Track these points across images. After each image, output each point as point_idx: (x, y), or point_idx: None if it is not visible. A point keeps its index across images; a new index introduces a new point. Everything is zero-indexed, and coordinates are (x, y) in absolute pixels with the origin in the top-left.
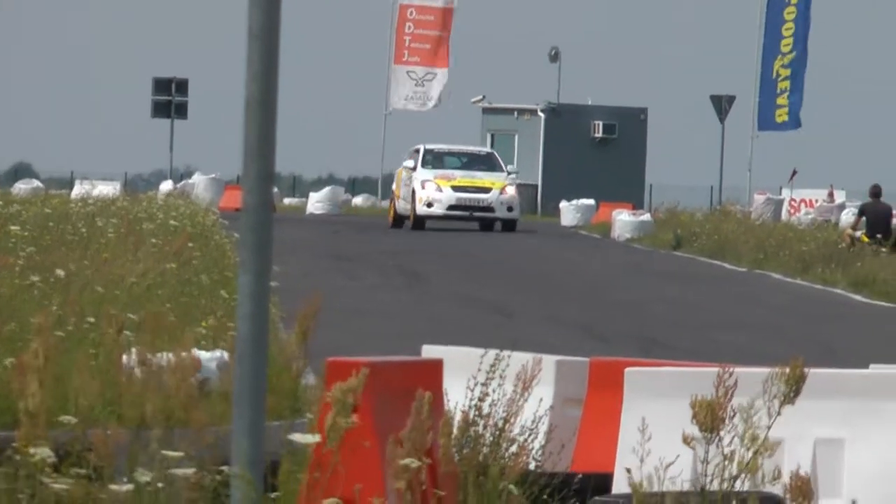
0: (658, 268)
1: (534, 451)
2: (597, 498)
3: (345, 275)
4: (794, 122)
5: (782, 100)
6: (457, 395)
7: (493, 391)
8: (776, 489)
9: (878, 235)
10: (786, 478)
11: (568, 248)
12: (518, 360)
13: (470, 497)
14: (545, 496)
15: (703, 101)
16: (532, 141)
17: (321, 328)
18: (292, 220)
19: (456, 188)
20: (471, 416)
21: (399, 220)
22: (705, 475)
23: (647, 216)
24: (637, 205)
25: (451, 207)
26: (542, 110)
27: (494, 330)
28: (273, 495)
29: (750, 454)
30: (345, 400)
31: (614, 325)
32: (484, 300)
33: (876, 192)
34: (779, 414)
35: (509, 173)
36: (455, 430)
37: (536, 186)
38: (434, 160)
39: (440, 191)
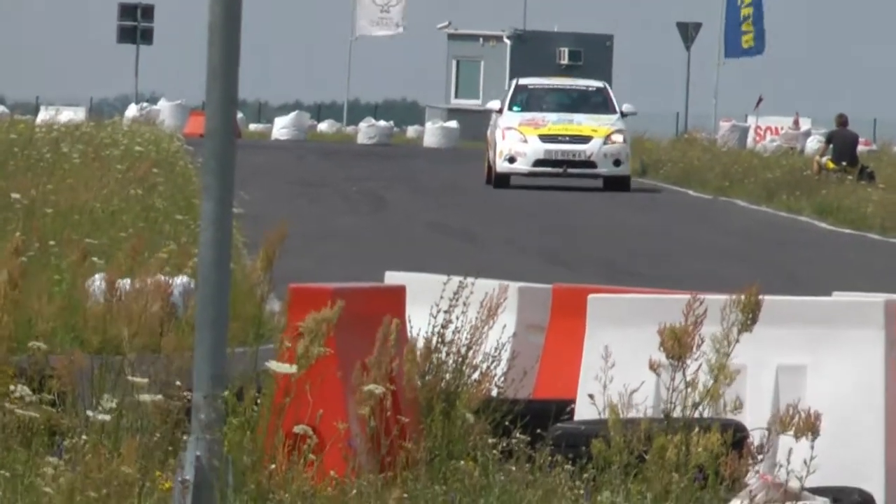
0: (622, 195)
1: (496, 378)
2: (559, 424)
3: (309, 200)
4: (760, 48)
5: (747, 26)
6: (420, 323)
7: (457, 318)
8: (738, 416)
9: (844, 163)
10: (748, 404)
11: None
12: (481, 287)
13: (433, 424)
14: (507, 423)
15: (669, 29)
16: (498, 68)
17: (285, 254)
18: (257, 146)
19: (545, 137)
20: (434, 343)
21: (490, 170)
22: (671, 402)
23: None
24: None
25: (538, 163)
26: (508, 37)
27: (458, 256)
28: (236, 421)
29: (712, 381)
30: (318, 329)
31: (578, 251)
32: (448, 226)
33: (843, 120)
34: (737, 341)
35: (624, 114)
36: (418, 358)
37: None
38: (527, 99)
39: (525, 141)
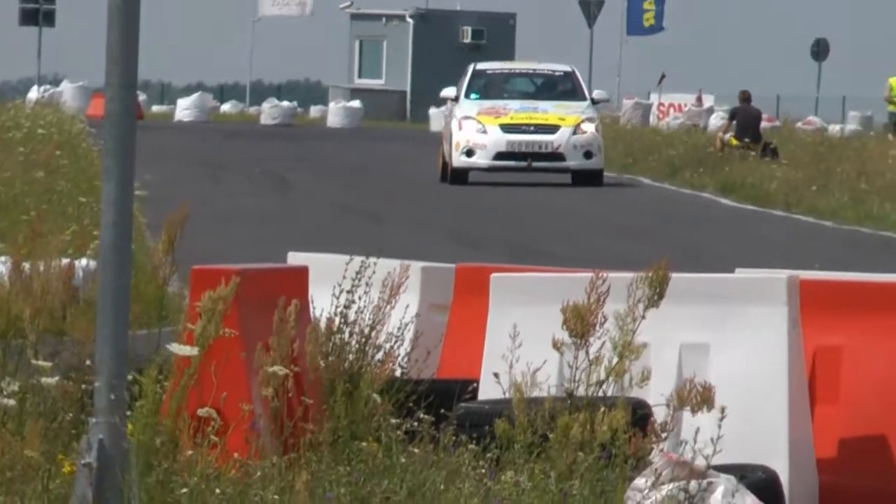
0: (531, 173)
1: (400, 358)
2: (462, 404)
3: (212, 182)
4: (660, 26)
5: (649, 4)
6: (323, 303)
7: (360, 298)
8: (643, 393)
9: (747, 140)
10: (652, 383)
11: (436, 154)
12: (385, 266)
13: (337, 405)
14: (411, 403)
15: (571, 6)
16: (401, 47)
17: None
18: (160, 128)
19: (507, 127)
20: (336, 323)
21: (445, 166)
22: (573, 380)
23: None
24: None
25: (499, 156)
26: (411, 16)
27: (363, 236)
28: (138, 403)
29: (616, 359)
30: (214, 308)
31: (483, 230)
32: (352, 206)
33: (746, 96)
34: (643, 318)
35: (595, 101)
36: (321, 338)
37: (405, 93)
38: (486, 86)
39: (484, 132)
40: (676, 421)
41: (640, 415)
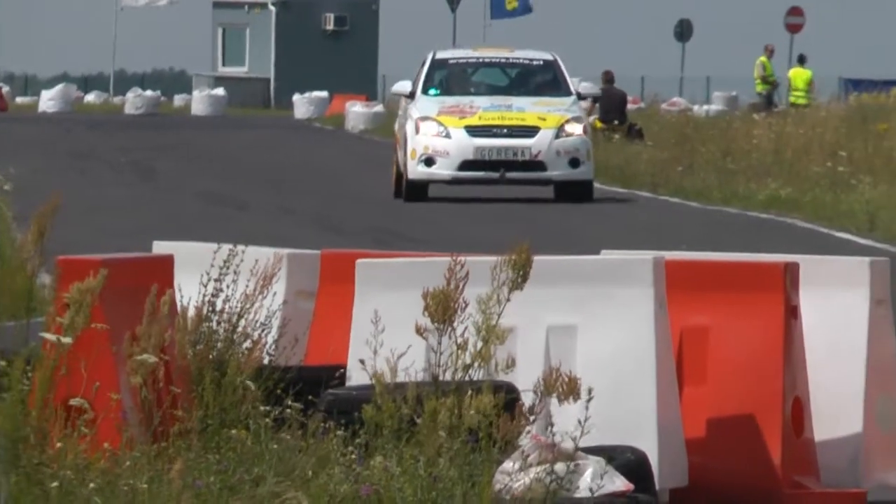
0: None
1: (268, 346)
2: (330, 390)
3: (78, 172)
4: (524, 8)
5: None
6: (191, 292)
7: (227, 287)
8: (511, 376)
9: (613, 121)
10: (520, 366)
11: (302, 140)
12: (252, 254)
13: (206, 393)
14: (279, 390)
15: None
16: (263, 35)
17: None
18: (24, 120)
19: (475, 130)
20: (204, 311)
21: (401, 177)
22: (438, 365)
23: (380, 107)
24: (371, 96)
25: (465, 165)
26: (273, 3)
27: (229, 224)
28: (7, 395)
29: (481, 343)
30: (82, 300)
31: (349, 217)
32: (217, 194)
33: (609, 77)
34: (508, 300)
35: (582, 96)
36: (189, 327)
37: (269, 80)
38: (448, 78)
39: (447, 136)
40: (545, 404)
41: (508, 398)
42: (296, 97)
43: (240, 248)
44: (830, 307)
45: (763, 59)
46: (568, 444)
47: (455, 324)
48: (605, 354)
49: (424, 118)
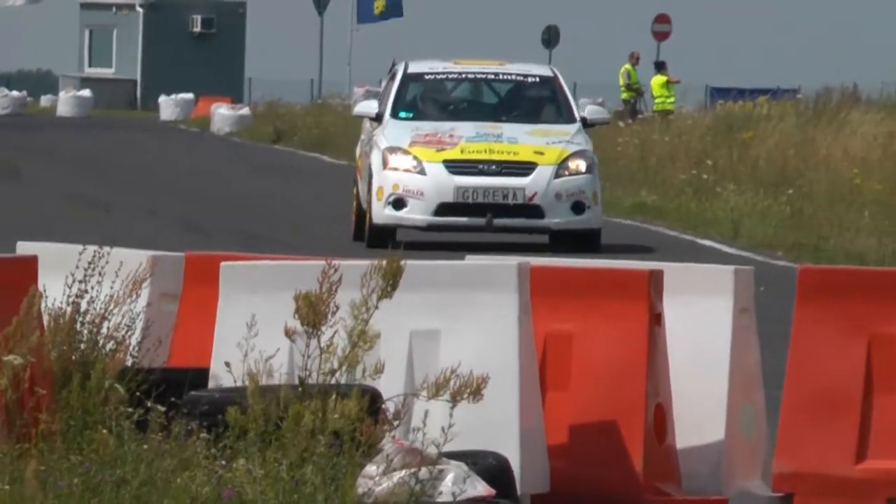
0: (259, 161)
1: (131, 348)
2: (192, 392)
3: None
4: (393, 12)
5: None
6: (55, 293)
7: (92, 288)
8: (375, 381)
9: None
10: (384, 370)
11: (168, 142)
12: (117, 256)
13: (71, 395)
14: (142, 392)
15: None
16: (131, 36)
17: None
18: None
19: (456, 165)
20: (68, 313)
21: (363, 217)
22: (306, 369)
23: (245, 110)
24: (236, 99)
25: (444, 209)
26: (141, 5)
27: (94, 225)
28: None
29: (350, 348)
30: None
31: (215, 219)
32: (83, 195)
33: None
34: (377, 307)
35: (588, 123)
36: (55, 328)
37: (135, 82)
38: (423, 98)
39: (422, 172)
40: (408, 408)
41: (372, 403)
42: (162, 99)
43: (105, 249)
44: (694, 315)
45: (628, 66)
46: (430, 449)
47: (325, 328)
48: (468, 359)
49: (394, 149)
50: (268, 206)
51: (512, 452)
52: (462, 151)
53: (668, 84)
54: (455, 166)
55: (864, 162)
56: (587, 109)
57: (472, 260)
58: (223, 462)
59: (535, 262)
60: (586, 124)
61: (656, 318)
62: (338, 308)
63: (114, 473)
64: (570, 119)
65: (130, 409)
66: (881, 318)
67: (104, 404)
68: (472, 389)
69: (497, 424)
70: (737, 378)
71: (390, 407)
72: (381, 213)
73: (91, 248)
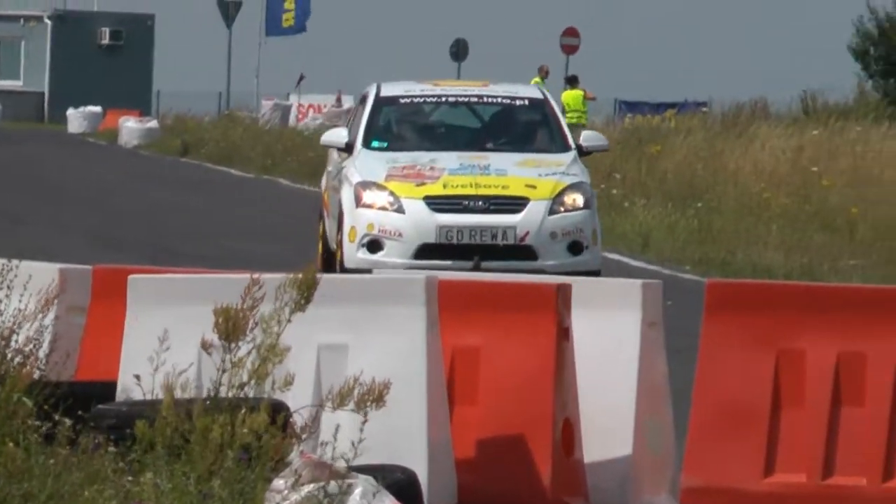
0: (166, 174)
1: (39, 361)
2: (100, 406)
3: None
4: (301, 26)
5: (289, 4)
6: None
7: (0, 301)
8: (284, 394)
9: None
10: (297, 384)
11: (75, 155)
12: (26, 269)
13: None
14: (50, 406)
15: (210, 7)
16: (38, 48)
17: None
18: None
19: (439, 202)
20: None
21: (332, 259)
22: (220, 383)
23: (153, 123)
24: (144, 111)
25: (425, 251)
26: (49, 17)
27: (3, 238)
28: None
29: (259, 362)
30: None
31: (124, 232)
32: None
33: None
34: (289, 321)
35: (584, 151)
36: None
37: (43, 94)
38: (398, 124)
39: (399, 210)
40: (317, 422)
41: (281, 417)
42: (70, 111)
43: (14, 262)
44: (602, 329)
45: (538, 79)
46: (339, 463)
47: (241, 343)
48: (376, 373)
49: (367, 184)
50: (176, 220)
51: (420, 466)
52: (445, 186)
53: (584, 99)
54: (437, 203)
55: (773, 176)
56: (583, 135)
57: (381, 274)
58: (130, 476)
59: (444, 276)
60: (582, 152)
61: (564, 332)
62: (256, 324)
63: (21, 487)
64: (564, 147)
65: (38, 423)
66: (789, 333)
67: (11, 418)
68: (375, 397)
69: (405, 439)
70: (645, 392)
71: (298, 421)
72: (354, 257)
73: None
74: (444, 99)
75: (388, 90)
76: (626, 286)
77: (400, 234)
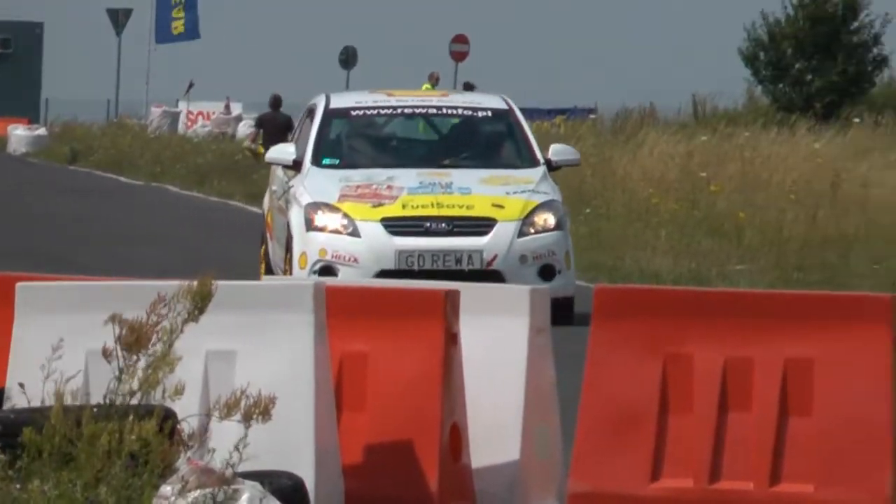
0: (55, 182)
1: None
2: None
3: None
4: (192, 33)
5: (178, 12)
6: None
7: None
8: (174, 403)
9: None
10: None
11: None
12: None
13: None
14: None
15: (100, 15)
16: None
17: None
18: None
19: (396, 224)
20: None
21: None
22: (116, 391)
23: (42, 130)
24: (33, 119)
25: (383, 276)
26: None
27: None
28: None
29: (151, 370)
30: None
31: (13, 240)
32: None
33: (275, 102)
34: (182, 331)
35: (553, 165)
36: None
37: None
38: (349, 138)
39: (355, 233)
40: (205, 429)
41: (169, 424)
42: None
43: None
44: (490, 335)
45: (428, 85)
46: (226, 470)
47: (142, 353)
48: (264, 380)
49: (319, 205)
50: (65, 227)
51: (307, 472)
52: (404, 206)
53: None
54: (396, 225)
55: (661, 181)
56: (552, 149)
57: (269, 280)
58: (18, 484)
59: (332, 282)
60: (551, 167)
61: (452, 338)
62: (159, 338)
63: None
64: (532, 162)
65: None
66: (676, 338)
67: None
68: (261, 410)
69: (292, 445)
70: (532, 398)
71: (186, 428)
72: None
73: None
74: (399, 111)
75: (338, 101)
76: (514, 292)
77: (355, 260)
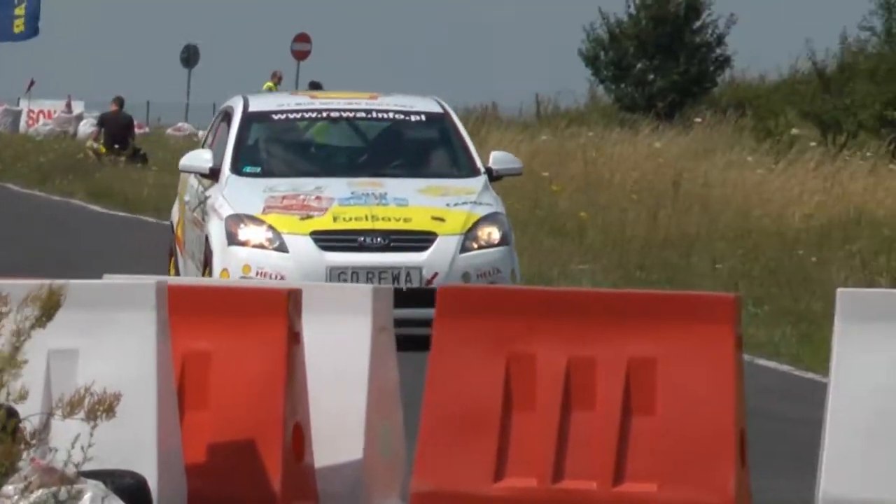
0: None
1: None
2: None
3: None
4: (32, 31)
5: (20, 10)
6: None
7: None
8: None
9: (117, 146)
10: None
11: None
12: None
13: None
14: None
15: None
16: None
17: None
18: None
19: (327, 238)
20: None
21: None
22: None
23: None
24: None
25: None
26: None
27: None
28: None
29: None
30: None
31: None
32: None
33: (118, 102)
34: (29, 337)
35: (495, 175)
36: None
37: None
38: (270, 144)
39: (282, 248)
40: (46, 428)
41: (11, 423)
42: None
43: None
44: (333, 334)
45: (270, 84)
46: (69, 468)
47: None
48: (106, 378)
49: (241, 217)
50: None
51: (149, 471)
52: (335, 219)
53: None
54: (326, 239)
55: (503, 181)
56: (493, 157)
57: (111, 279)
58: None
59: (174, 281)
60: (492, 177)
61: (295, 337)
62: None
63: None
64: (472, 171)
65: None
66: (519, 337)
67: None
68: (105, 407)
69: (135, 444)
70: (375, 397)
71: (28, 427)
72: None
73: None
74: (324, 114)
75: (258, 104)
76: (356, 292)
77: (282, 277)
